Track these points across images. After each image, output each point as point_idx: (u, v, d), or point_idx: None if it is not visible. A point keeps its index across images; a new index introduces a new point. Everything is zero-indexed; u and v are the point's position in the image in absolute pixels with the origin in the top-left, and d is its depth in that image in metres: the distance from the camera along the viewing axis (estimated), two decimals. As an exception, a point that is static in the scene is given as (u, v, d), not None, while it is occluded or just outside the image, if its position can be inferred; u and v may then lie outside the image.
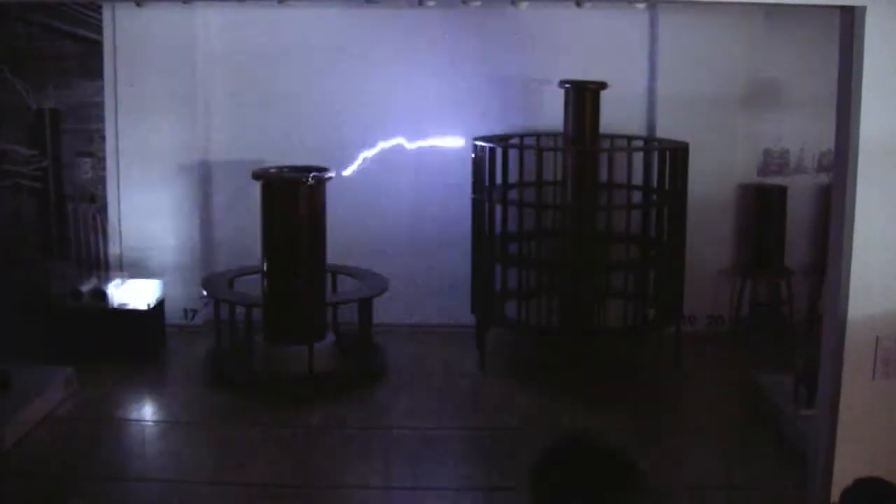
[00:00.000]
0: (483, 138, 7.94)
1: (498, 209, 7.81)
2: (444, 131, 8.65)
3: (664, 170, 7.74)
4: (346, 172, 8.65)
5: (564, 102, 7.85)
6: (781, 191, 8.57)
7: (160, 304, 8.25)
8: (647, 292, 8.01)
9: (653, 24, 8.58)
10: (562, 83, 7.86)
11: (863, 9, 4.13)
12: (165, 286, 8.35)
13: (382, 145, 8.73)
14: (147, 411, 7.21)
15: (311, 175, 7.55)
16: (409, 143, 8.70)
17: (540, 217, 7.99)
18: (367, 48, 8.56)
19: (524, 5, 5.64)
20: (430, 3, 4.39)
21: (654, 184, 7.84)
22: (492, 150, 7.76)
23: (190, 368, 7.86)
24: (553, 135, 8.24)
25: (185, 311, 8.69)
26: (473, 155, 7.92)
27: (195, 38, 8.53)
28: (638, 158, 8.06)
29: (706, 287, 8.71)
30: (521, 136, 8.32)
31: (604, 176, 7.88)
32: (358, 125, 8.64)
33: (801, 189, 8.68)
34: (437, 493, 5.95)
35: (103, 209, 8.66)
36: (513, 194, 8.01)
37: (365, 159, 8.72)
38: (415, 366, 7.95)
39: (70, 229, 8.68)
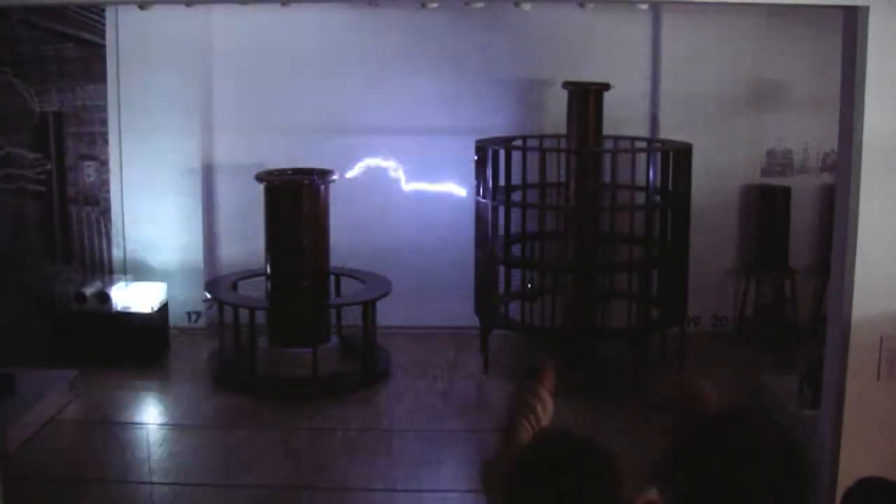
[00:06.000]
0: (486, 140, 7.94)
1: (501, 211, 7.81)
2: (446, 133, 8.64)
3: (667, 171, 7.73)
4: (350, 175, 8.65)
5: (568, 104, 7.85)
6: (785, 191, 8.56)
7: (164, 307, 8.26)
8: (650, 293, 8.00)
9: (655, 25, 8.57)
10: (565, 84, 7.85)
11: (865, 8, 4.11)
12: (169, 289, 8.36)
13: (384, 147, 8.75)
14: (151, 414, 7.22)
15: (314, 178, 7.56)
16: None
17: (543, 219, 7.99)
18: (370, 50, 8.57)
19: (527, 7, 5.63)
20: (433, 5, 4.38)
21: (658, 185, 7.83)
22: (495, 151, 7.76)
23: (194, 371, 7.87)
24: (556, 136, 8.23)
25: (189, 313, 8.70)
26: (476, 157, 7.92)
27: (199, 41, 8.53)
28: (641, 159, 8.05)
29: (710, 287, 8.72)
30: (524, 138, 8.32)
31: (607, 177, 7.88)
32: (361, 127, 8.64)
33: (804, 189, 8.67)
34: (439, 496, 5.94)
35: (107, 212, 8.67)
36: (516, 196, 8.00)
37: (368, 161, 8.73)
38: (418, 368, 7.96)
39: (74, 232, 8.69)
